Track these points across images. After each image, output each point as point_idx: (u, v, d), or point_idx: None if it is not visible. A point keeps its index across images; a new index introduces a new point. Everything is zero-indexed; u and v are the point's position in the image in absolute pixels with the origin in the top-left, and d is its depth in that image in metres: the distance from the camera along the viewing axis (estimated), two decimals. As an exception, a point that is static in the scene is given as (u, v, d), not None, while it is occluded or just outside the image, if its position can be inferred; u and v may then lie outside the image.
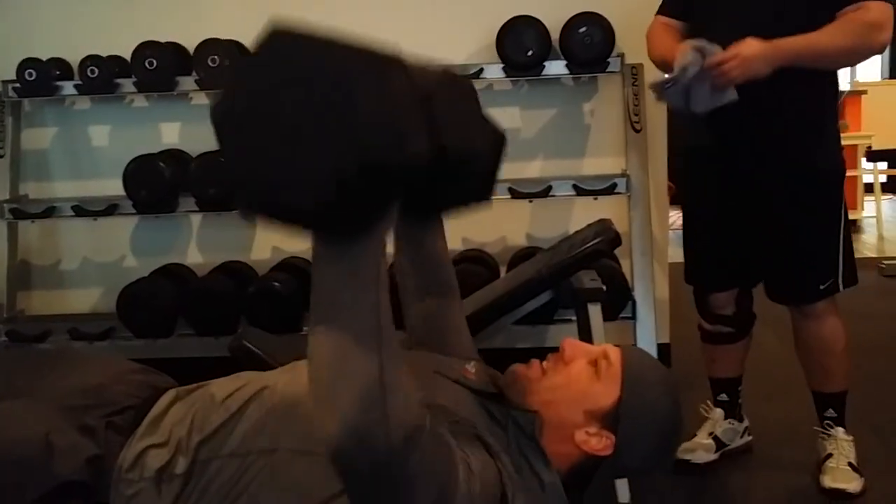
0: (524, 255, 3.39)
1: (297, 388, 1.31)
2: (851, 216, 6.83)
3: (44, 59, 3.49)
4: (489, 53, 3.42)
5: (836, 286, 2.56)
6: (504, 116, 3.64)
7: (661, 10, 2.68)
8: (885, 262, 5.54)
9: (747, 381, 2.88)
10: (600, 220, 2.82)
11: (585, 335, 2.53)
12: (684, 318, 3.12)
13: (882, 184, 7.37)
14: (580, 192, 3.35)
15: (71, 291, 3.84)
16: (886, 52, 9.81)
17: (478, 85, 3.55)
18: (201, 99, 3.68)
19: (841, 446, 2.62)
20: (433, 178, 1.11)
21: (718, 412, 2.83)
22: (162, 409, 1.45)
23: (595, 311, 2.55)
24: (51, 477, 1.35)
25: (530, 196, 3.37)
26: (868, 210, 7.41)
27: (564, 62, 3.37)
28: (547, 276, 2.61)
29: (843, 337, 2.63)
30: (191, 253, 3.78)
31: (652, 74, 3.38)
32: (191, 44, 3.44)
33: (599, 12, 3.32)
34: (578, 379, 1.48)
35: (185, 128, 3.72)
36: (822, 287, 2.55)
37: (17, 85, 3.50)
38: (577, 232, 2.86)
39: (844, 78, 9.73)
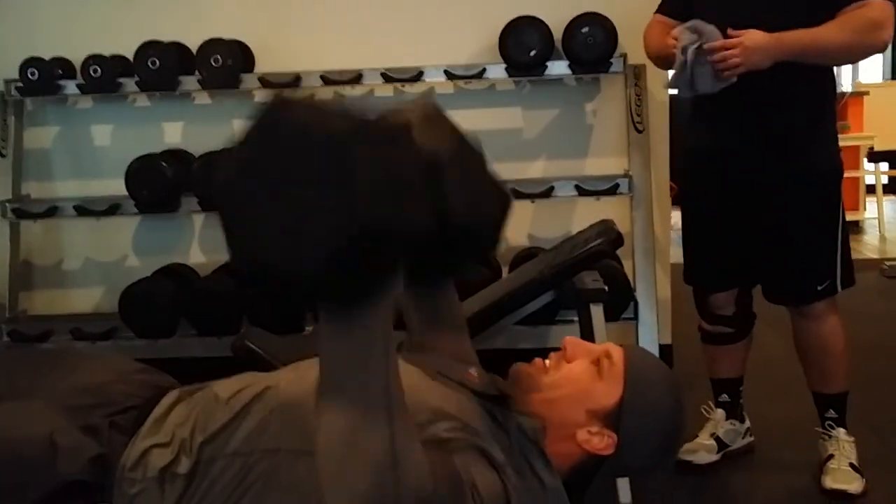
0: (526, 255, 3.39)
1: (300, 388, 1.32)
2: (853, 217, 6.92)
3: (46, 58, 3.49)
4: (492, 53, 3.42)
5: (833, 287, 2.57)
6: (506, 117, 3.65)
7: (660, 10, 2.69)
8: (887, 263, 5.53)
9: (748, 381, 2.88)
10: (602, 221, 2.82)
11: (587, 336, 2.53)
12: (686, 319, 3.12)
13: (884, 185, 7.36)
14: (582, 192, 3.35)
15: (73, 291, 3.84)
16: (888, 53, 9.81)
17: (480, 85, 3.58)
18: (204, 99, 3.68)
19: (842, 447, 2.62)
20: (437, 245, 1.10)
21: (720, 413, 2.83)
22: (165, 409, 1.45)
23: (597, 311, 2.55)
24: (54, 476, 1.35)
25: (532, 196, 3.37)
26: (870, 211, 7.40)
27: (567, 62, 3.37)
28: (549, 277, 2.61)
29: (842, 338, 2.63)
30: (193, 253, 3.78)
31: (654, 75, 3.39)
32: (193, 43, 3.44)
33: (602, 13, 3.32)
34: (581, 378, 1.48)
35: (188, 127, 3.72)
36: (819, 288, 2.56)
37: (20, 84, 3.50)
38: (579, 232, 2.86)
39: (847, 79, 9.73)
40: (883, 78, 10.01)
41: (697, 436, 2.81)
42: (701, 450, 2.77)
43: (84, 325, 3.48)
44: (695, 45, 2.33)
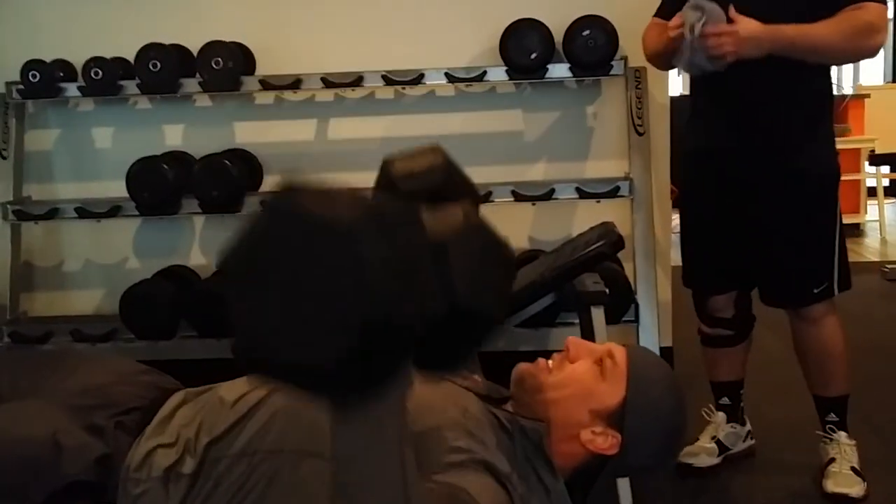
0: (527, 257, 3.38)
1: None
2: (854, 220, 6.92)
3: (47, 60, 3.49)
4: (492, 56, 3.42)
5: (830, 290, 2.57)
6: (507, 119, 3.65)
7: (659, 13, 2.69)
8: (888, 265, 5.53)
9: (749, 383, 2.88)
10: (603, 223, 2.82)
11: (588, 338, 2.52)
12: (687, 322, 3.12)
13: (885, 187, 7.36)
14: (583, 194, 3.35)
15: (73, 293, 3.84)
16: (889, 56, 9.81)
17: (481, 87, 3.58)
18: (204, 101, 3.68)
19: (843, 450, 2.62)
20: (443, 331, 1.08)
21: (721, 416, 2.83)
22: (170, 411, 1.45)
23: (598, 314, 2.55)
24: (59, 477, 1.35)
25: (533, 199, 3.37)
26: (871, 214, 7.40)
27: (568, 65, 3.36)
28: (550, 279, 2.61)
29: (842, 340, 2.63)
30: (194, 255, 3.78)
31: (655, 77, 3.39)
32: (194, 46, 3.44)
33: (603, 15, 3.32)
34: (584, 378, 1.48)
35: (189, 130, 3.72)
36: (816, 291, 2.56)
37: (21, 86, 3.50)
38: (580, 235, 2.86)
39: (848, 81, 9.73)
40: (884, 80, 10.01)
41: (698, 439, 2.81)
42: (702, 453, 2.77)
43: (84, 326, 3.48)
44: (700, 24, 2.34)
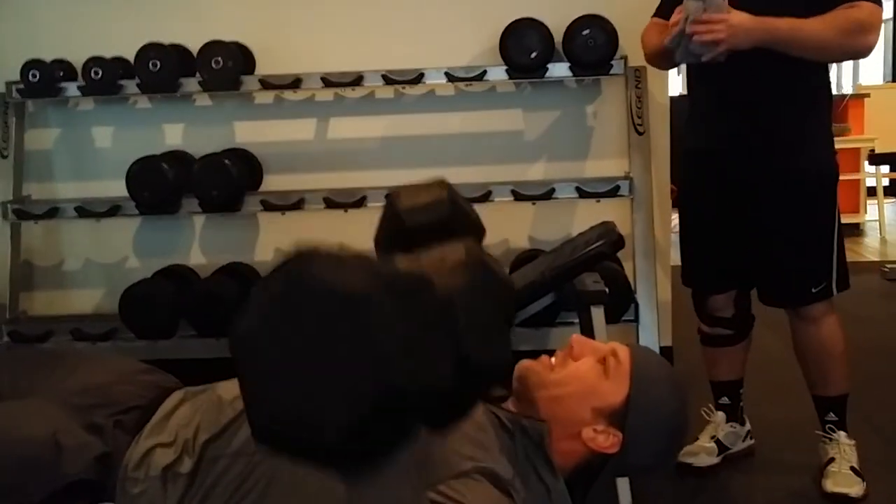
0: (526, 257, 3.38)
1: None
2: (854, 220, 6.92)
3: (47, 60, 3.49)
4: (492, 55, 3.42)
5: (829, 290, 2.56)
6: (507, 118, 3.65)
7: (658, 13, 2.69)
8: (888, 265, 5.53)
9: (748, 383, 2.87)
10: (603, 223, 2.81)
11: (588, 337, 2.52)
12: (687, 321, 3.12)
13: (884, 187, 7.36)
14: (583, 194, 3.35)
15: (73, 292, 3.84)
16: (889, 55, 9.81)
17: (481, 87, 3.58)
18: (204, 100, 3.68)
19: (843, 450, 2.61)
20: (453, 393, 1.08)
21: (720, 415, 2.83)
22: (169, 410, 1.45)
23: (598, 313, 2.55)
24: (59, 476, 1.35)
25: (533, 198, 3.37)
26: (871, 213, 7.40)
27: (567, 64, 3.37)
28: (549, 279, 2.60)
29: (841, 340, 2.63)
30: (193, 254, 3.78)
31: (655, 77, 3.39)
32: (194, 45, 3.44)
33: (603, 14, 3.32)
34: (587, 376, 1.48)
35: (189, 129, 3.72)
36: (814, 290, 2.56)
37: (21, 86, 3.50)
38: (579, 234, 2.85)
39: (847, 81, 9.74)
40: (884, 80, 10.01)
41: (698, 438, 2.81)
42: (701, 452, 2.77)
43: (84, 325, 3.48)
44: (699, 13, 2.33)
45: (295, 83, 3.44)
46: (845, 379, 2.65)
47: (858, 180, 7.19)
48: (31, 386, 1.53)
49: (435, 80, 3.43)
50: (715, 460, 2.77)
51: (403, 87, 3.56)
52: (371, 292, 0.99)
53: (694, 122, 2.68)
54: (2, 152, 3.56)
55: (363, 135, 3.67)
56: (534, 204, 3.47)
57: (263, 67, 3.57)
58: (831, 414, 2.66)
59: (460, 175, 3.54)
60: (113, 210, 3.45)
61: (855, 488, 2.54)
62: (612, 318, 2.77)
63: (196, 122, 3.71)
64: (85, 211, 3.47)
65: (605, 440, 1.46)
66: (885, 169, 7.41)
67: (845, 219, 2.70)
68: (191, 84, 3.46)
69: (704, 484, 2.71)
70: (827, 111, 2.63)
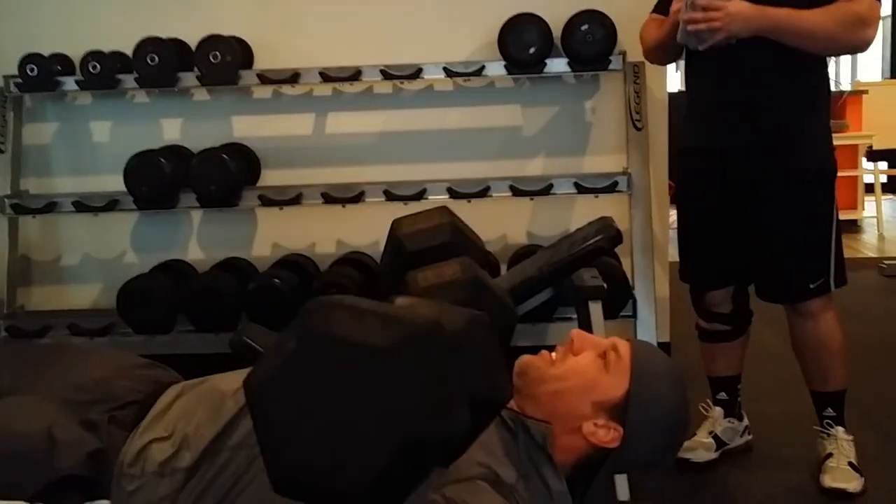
0: (525, 252, 3.39)
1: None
2: (852, 216, 6.92)
3: (45, 54, 3.48)
4: (491, 51, 3.42)
5: (827, 286, 2.57)
6: (505, 114, 3.65)
7: (656, 9, 2.69)
8: (886, 262, 5.53)
9: (746, 378, 2.88)
10: (601, 218, 2.82)
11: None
12: (684, 317, 3.12)
13: (882, 184, 7.36)
14: (581, 190, 3.35)
15: (71, 287, 3.84)
16: (888, 52, 9.81)
17: (479, 82, 3.58)
18: (203, 95, 3.68)
19: (841, 446, 2.62)
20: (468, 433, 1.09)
21: (718, 411, 2.83)
22: (167, 404, 1.45)
23: (596, 308, 2.55)
24: (52, 471, 1.35)
25: (531, 194, 3.37)
26: (868, 210, 7.41)
27: (566, 60, 3.36)
28: (548, 274, 2.61)
29: (839, 336, 2.63)
30: (191, 249, 3.78)
31: (653, 73, 3.39)
32: (192, 40, 3.43)
33: (601, 10, 3.32)
34: (587, 370, 1.48)
35: (187, 124, 3.72)
36: (812, 286, 2.56)
37: (19, 80, 3.49)
38: (578, 230, 2.86)
39: (846, 77, 9.73)
40: (882, 77, 10.00)
41: (696, 434, 2.81)
42: (699, 448, 2.77)
43: (82, 320, 3.47)
44: None
45: (293, 78, 3.43)
46: (843, 375, 2.65)
47: (856, 177, 7.20)
48: (30, 381, 1.53)
49: (433, 75, 3.43)
50: (713, 456, 2.78)
51: (402, 82, 3.56)
52: (387, 346, 0.99)
53: (693, 120, 2.68)
54: (-1, 147, 3.56)
55: (361, 130, 3.67)
56: (532, 199, 3.46)
57: (262, 62, 3.57)
58: (829, 409, 2.66)
59: (458, 170, 3.55)
60: (111, 205, 3.45)
61: (853, 484, 2.54)
62: (610, 314, 2.78)
63: (194, 117, 3.71)
64: (83, 205, 3.46)
65: (606, 434, 1.46)
66: (882, 165, 7.41)
67: (843, 215, 2.69)
68: (189, 78, 3.46)
69: (702, 479, 2.71)
70: (826, 110, 2.62)
